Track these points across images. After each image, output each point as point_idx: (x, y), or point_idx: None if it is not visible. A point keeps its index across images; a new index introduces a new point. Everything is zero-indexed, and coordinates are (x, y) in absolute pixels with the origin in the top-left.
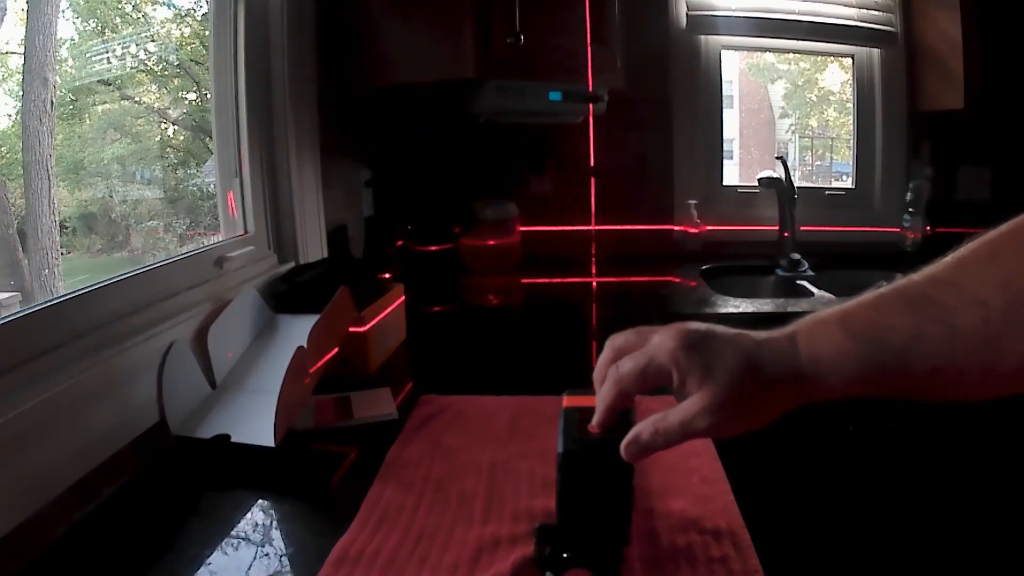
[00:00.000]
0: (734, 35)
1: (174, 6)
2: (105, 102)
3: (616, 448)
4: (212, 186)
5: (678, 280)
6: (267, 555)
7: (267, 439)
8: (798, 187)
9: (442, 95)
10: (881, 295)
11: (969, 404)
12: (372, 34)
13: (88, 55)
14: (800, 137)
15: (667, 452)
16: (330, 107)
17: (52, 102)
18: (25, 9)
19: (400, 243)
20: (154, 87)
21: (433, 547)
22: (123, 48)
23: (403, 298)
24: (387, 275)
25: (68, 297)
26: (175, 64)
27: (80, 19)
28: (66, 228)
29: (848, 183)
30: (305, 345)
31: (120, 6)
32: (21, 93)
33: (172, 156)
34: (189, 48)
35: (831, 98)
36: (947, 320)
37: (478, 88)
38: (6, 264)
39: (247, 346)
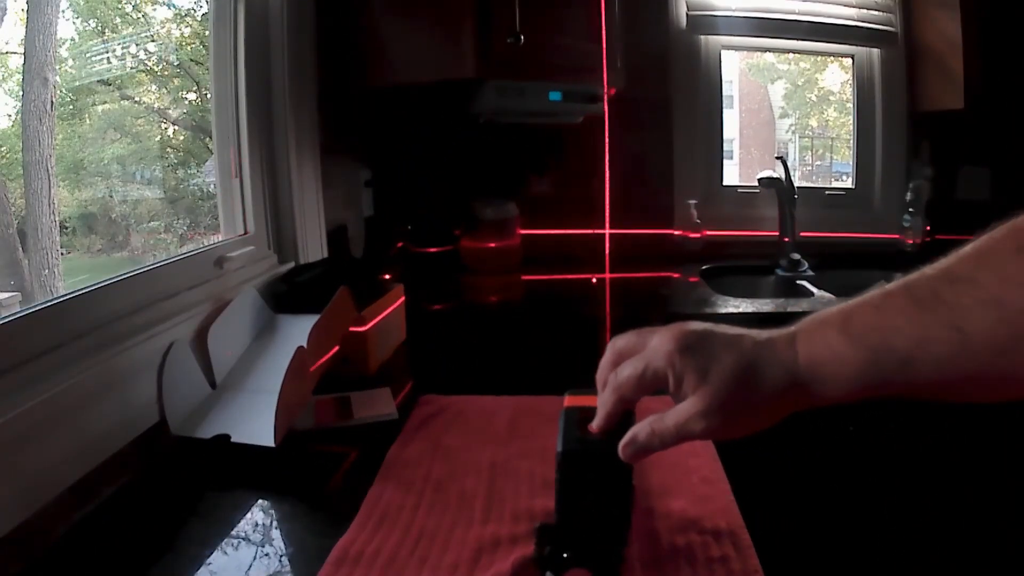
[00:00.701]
0: (734, 35)
1: (174, 6)
2: (105, 102)
3: (615, 448)
4: (212, 186)
5: (678, 276)
6: (267, 555)
7: (267, 439)
8: (798, 187)
9: (442, 95)
10: (887, 293)
11: (970, 405)
12: (372, 34)
13: (88, 55)
14: (800, 137)
15: (667, 452)
16: (330, 107)
17: (52, 102)
18: (25, 9)
19: (400, 243)
20: (154, 87)
21: (433, 547)
22: (123, 48)
23: (403, 298)
24: (387, 275)
25: (68, 297)
26: (175, 64)
27: (80, 19)
28: (66, 228)
29: (848, 183)
30: (305, 345)
31: (120, 6)
32: (21, 93)
33: (172, 156)
34: (189, 48)
35: (831, 98)
36: (958, 323)
37: (478, 88)
38: (6, 264)
39: (247, 346)
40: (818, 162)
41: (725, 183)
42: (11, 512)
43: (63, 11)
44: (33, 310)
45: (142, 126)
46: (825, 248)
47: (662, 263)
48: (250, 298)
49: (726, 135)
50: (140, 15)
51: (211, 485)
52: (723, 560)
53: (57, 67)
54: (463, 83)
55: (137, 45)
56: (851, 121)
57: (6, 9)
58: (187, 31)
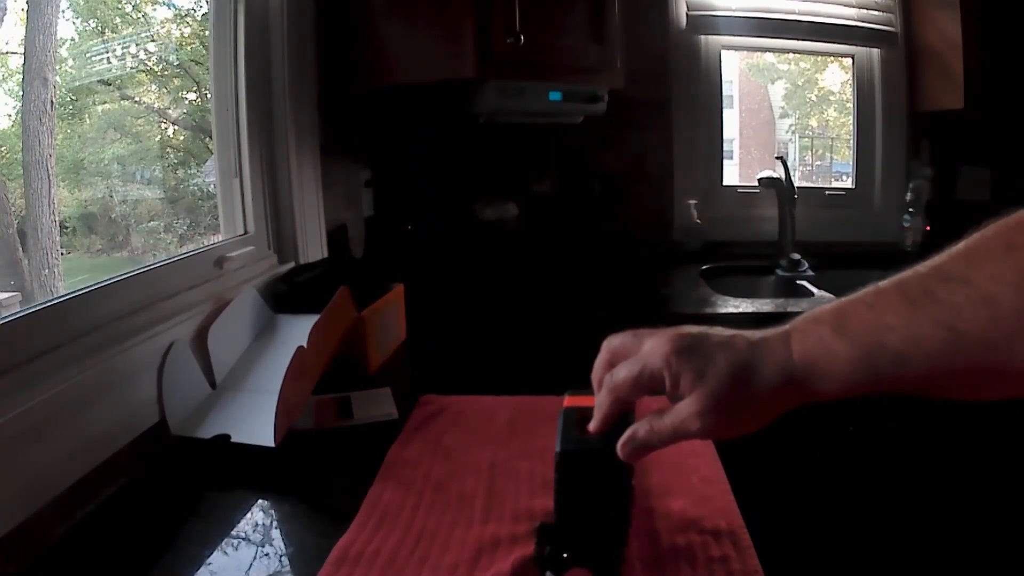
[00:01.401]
0: (734, 35)
1: (174, 6)
2: (105, 102)
3: (614, 449)
4: (212, 186)
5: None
6: (267, 555)
7: (267, 439)
8: (798, 187)
9: (442, 95)
10: (880, 291)
11: (969, 404)
12: (372, 34)
13: (88, 55)
14: (800, 137)
15: (667, 452)
16: (330, 107)
17: (52, 102)
18: (25, 9)
19: (400, 243)
20: (154, 87)
21: (433, 547)
22: (123, 48)
23: (403, 298)
24: (387, 275)
25: (68, 297)
26: (175, 64)
27: (80, 19)
28: (66, 228)
29: (848, 183)
30: (305, 345)
31: (120, 6)
32: (21, 93)
33: (172, 156)
34: (189, 48)
35: (831, 98)
36: (950, 322)
37: (478, 88)
38: (6, 264)
39: (247, 346)
40: (818, 162)
41: (725, 183)
42: (11, 512)
43: (63, 11)
44: (33, 310)
45: (142, 126)
46: (825, 248)
47: (662, 263)
48: (250, 298)
49: (726, 135)
50: (140, 15)
51: (211, 485)
52: (723, 560)
53: (57, 67)
54: (463, 83)
55: (137, 45)
56: (851, 121)
57: (6, 9)
58: (187, 31)
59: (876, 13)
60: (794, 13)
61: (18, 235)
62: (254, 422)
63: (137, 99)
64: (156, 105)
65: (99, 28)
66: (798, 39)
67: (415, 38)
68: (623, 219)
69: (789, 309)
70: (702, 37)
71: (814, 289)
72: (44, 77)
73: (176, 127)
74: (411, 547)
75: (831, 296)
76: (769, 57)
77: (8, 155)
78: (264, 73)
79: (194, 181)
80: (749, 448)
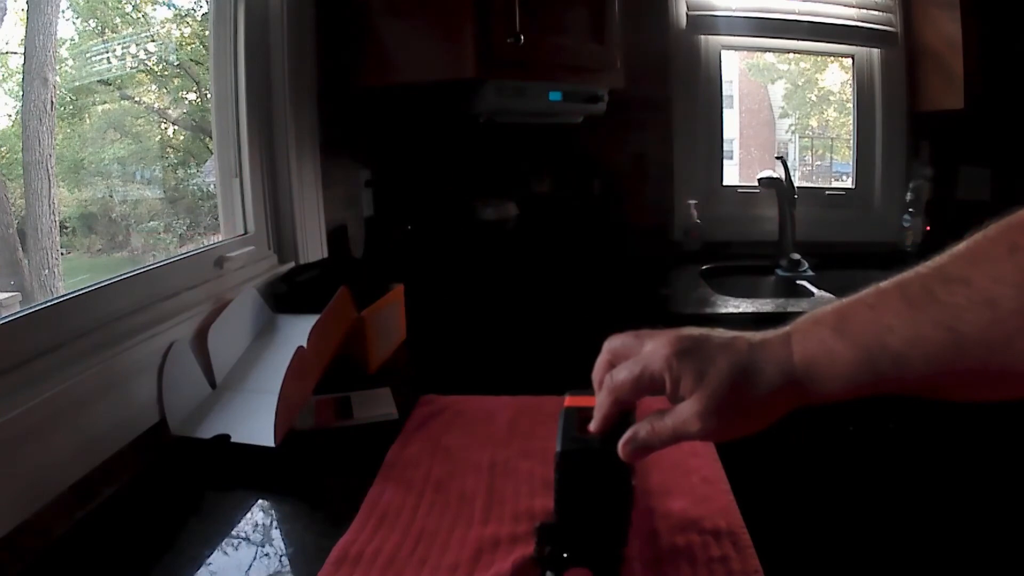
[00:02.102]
0: (734, 35)
1: (174, 6)
2: (105, 102)
3: (614, 449)
4: (212, 186)
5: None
6: (267, 555)
7: (267, 439)
8: (798, 187)
9: (442, 95)
10: (881, 291)
11: (969, 404)
12: (372, 34)
13: (88, 55)
14: (800, 137)
15: (667, 452)
16: (330, 107)
17: (52, 102)
18: (25, 9)
19: (400, 243)
20: (154, 87)
21: (433, 547)
22: (123, 48)
23: (403, 298)
24: (387, 275)
25: (68, 297)
26: (175, 64)
27: (80, 19)
28: (66, 228)
29: (848, 183)
30: (305, 345)
31: (120, 6)
32: (21, 93)
33: (172, 156)
34: (189, 48)
35: (831, 98)
36: (950, 323)
37: (478, 88)
38: (6, 264)
39: (247, 346)
40: (818, 162)
41: (725, 183)
42: (12, 512)
43: (63, 11)
44: (33, 310)
45: (142, 126)
46: (825, 248)
47: (662, 263)
48: (250, 298)
49: (726, 135)
50: (140, 15)
51: (211, 485)
52: (723, 560)
53: (57, 67)
54: (463, 83)
55: (137, 45)
56: (851, 121)
57: (6, 9)
58: (187, 31)
59: (876, 13)
60: (794, 13)
61: (18, 235)
62: (254, 422)
63: (137, 99)
64: (156, 105)
65: (99, 28)
66: (798, 39)
67: (415, 38)
68: (623, 219)
69: (789, 309)
70: (702, 37)
71: (814, 289)
72: (44, 77)
73: (176, 127)
74: (411, 547)
75: (831, 296)
76: (769, 57)
77: (8, 155)
78: (264, 73)
79: (194, 181)
80: (749, 448)
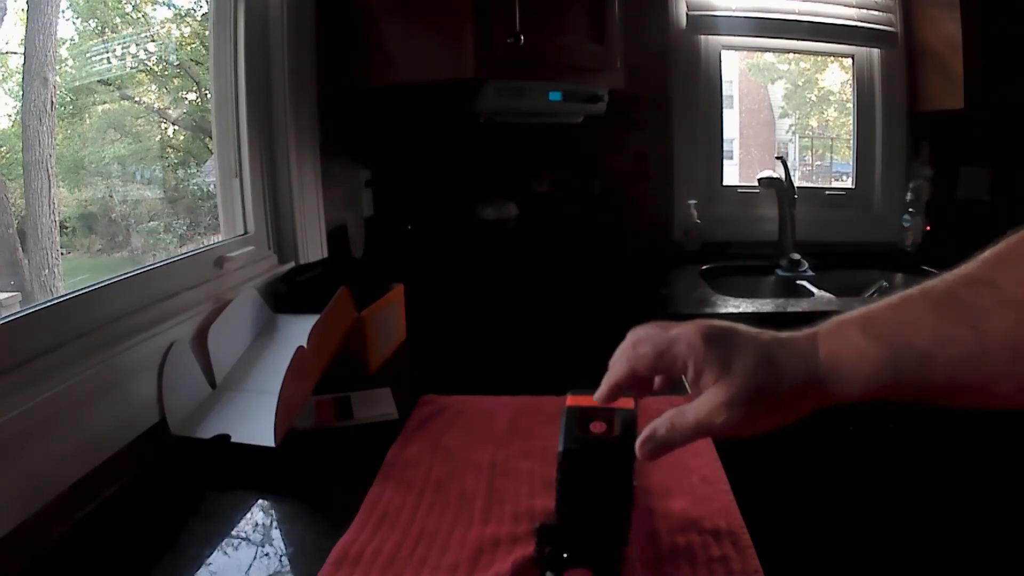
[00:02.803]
0: (734, 35)
1: (174, 6)
2: (105, 102)
3: (616, 448)
4: (212, 186)
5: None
6: (267, 555)
7: (267, 439)
8: (798, 187)
9: (442, 95)
10: (906, 295)
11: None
12: (372, 34)
13: (88, 55)
14: (800, 137)
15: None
16: (330, 107)
17: (52, 102)
18: (25, 9)
19: (400, 243)
20: (154, 87)
21: (433, 547)
22: (123, 48)
23: (403, 298)
24: (387, 275)
25: (68, 297)
26: (175, 64)
27: (80, 19)
28: (66, 228)
29: (848, 183)
30: (305, 345)
31: (120, 6)
32: (21, 93)
33: (172, 156)
34: (189, 48)
35: (831, 98)
36: (976, 322)
37: (478, 88)
38: (6, 264)
39: (247, 346)
40: (818, 162)
41: (725, 183)
42: (12, 512)
43: (63, 11)
44: (33, 310)
45: (142, 126)
46: (825, 248)
47: (662, 263)
48: (250, 298)
49: (726, 135)
50: (140, 15)
51: (211, 485)
52: (723, 560)
53: (57, 67)
54: (463, 83)
55: (137, 45)
56: (851, 121)
57: (6, 9)
58: (187, 31)
59: (876, 13)
60: (794, 13)
61: (18, 235)
62: (254, 422)
63: (137, 99)
64: (156, 105)
65: (99, 28)
66: (798, 39)
67: (415, 38)
68: (623, 219)
69: (789, 309)
70: (702, 37)
71: (814, 289)
72: (44, 77)
73: (176, 127)
74: (411, 547)
75: (831, 296)
76: (769, 57)
77: (8, 155)
78: (264, 73)
79: (194, 181)
80: (749, 448)
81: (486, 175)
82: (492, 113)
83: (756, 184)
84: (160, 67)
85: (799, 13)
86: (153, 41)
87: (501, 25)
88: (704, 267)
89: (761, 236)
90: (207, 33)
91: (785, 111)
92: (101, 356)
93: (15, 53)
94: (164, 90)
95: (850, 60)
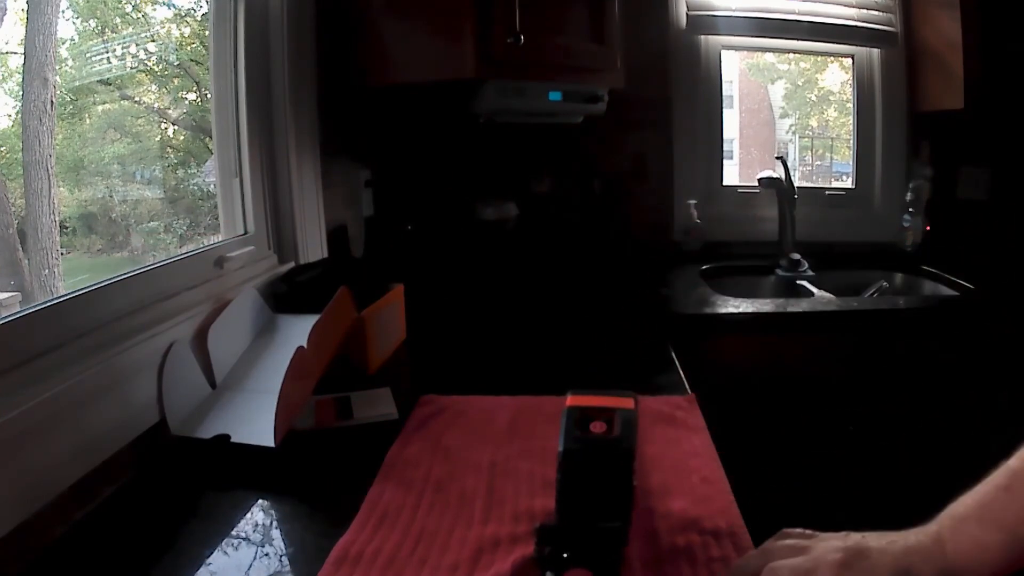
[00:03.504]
0: (734, 35)
1: (174, 6)
2: (105, 102)
3: (616, 448)
4: (212, 186)
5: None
6: (267, 555)
7: (267, 439)
8: (798, 187)
9: (442, 95)
10: (1014, 473)
11: (967, 406)
12: (372, 34)
13: (88, 55)
14: (800, 137)
15: (667, 452)
16: (330, 107)
17: (52, 102)
18: (25, 9)
19: (400, 243)
20: (154, 87)
21: (433, 547)
22: (123, 48)
23: (403, 298)
24: (387, 275)
25: (68, 297)
26: (175, 64)
27: (80, 19)
28: (66, 228)
29: (848, 183)
30: (305, 345)
31: (120, 6)
32: (21, 93)
33: (172, 156)
34: (189, 48)
35: (831, 98)
36: None
37: (478, 88)
38: (6, 264)
39: (247, 346)
40: (818, 162)
41: (725, 183)
42: (12, 512)
43: (63, 11)
44: (33, 310)
45: (142, 126)
46: (825, 248)
47: (662, 262)
48: (250, 298)
49: (726, 135)
50: (140, 15)
51: (211, 485)
52: (723, 560)
53: (57, 67)
54: (463, 83)
55: (137, 45)
56: (851, 121)
57: (6, 9)
58: (187, 31)
59: (876, 13)
60: (794, 13)
61: (18, 235)
62: (254, 422)
63: (137, 99)
64: (156, 105)
65: (99, 28)
66: (798, 39)
67: (415, 38)
68: (623, 219)
69: (789, 309)
70: (702, 37)
71: (814, 289)
72: (44, 77)
73: (176, 127)
74: (411, 547)
75: (831, 296)
76: (769, 57)
77: (8, 155)
78: (264, 73)
79: (194, 181)
80: (749, 448)
81: (486, 175)
82: (492, 113)
83: (756, 184)
84: (160, 67)
85: (799, 13)
86: (153, 41)
87: (501, 25)
88: (704, 267)
89: (761, 236)
90: (207, 33)
91: (785, 111)
92: (101, 356)
93: (15, 53)
94: (164, 90)
95: (850, 60)
